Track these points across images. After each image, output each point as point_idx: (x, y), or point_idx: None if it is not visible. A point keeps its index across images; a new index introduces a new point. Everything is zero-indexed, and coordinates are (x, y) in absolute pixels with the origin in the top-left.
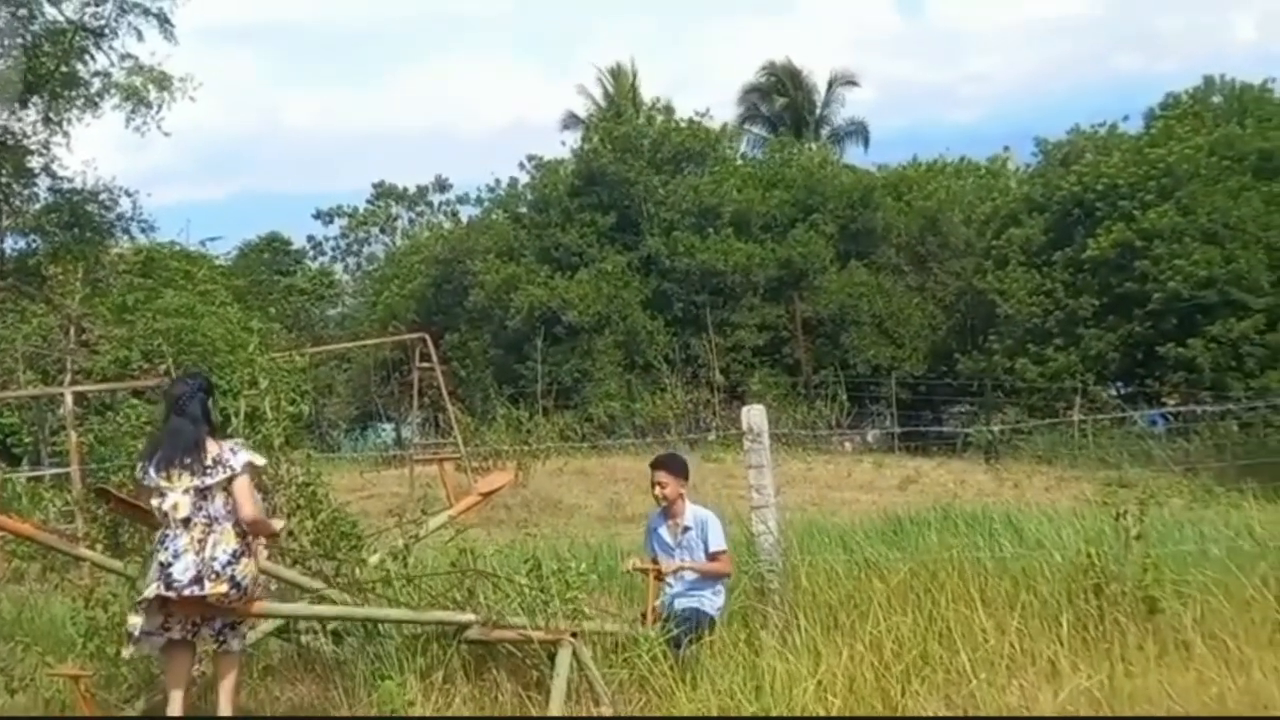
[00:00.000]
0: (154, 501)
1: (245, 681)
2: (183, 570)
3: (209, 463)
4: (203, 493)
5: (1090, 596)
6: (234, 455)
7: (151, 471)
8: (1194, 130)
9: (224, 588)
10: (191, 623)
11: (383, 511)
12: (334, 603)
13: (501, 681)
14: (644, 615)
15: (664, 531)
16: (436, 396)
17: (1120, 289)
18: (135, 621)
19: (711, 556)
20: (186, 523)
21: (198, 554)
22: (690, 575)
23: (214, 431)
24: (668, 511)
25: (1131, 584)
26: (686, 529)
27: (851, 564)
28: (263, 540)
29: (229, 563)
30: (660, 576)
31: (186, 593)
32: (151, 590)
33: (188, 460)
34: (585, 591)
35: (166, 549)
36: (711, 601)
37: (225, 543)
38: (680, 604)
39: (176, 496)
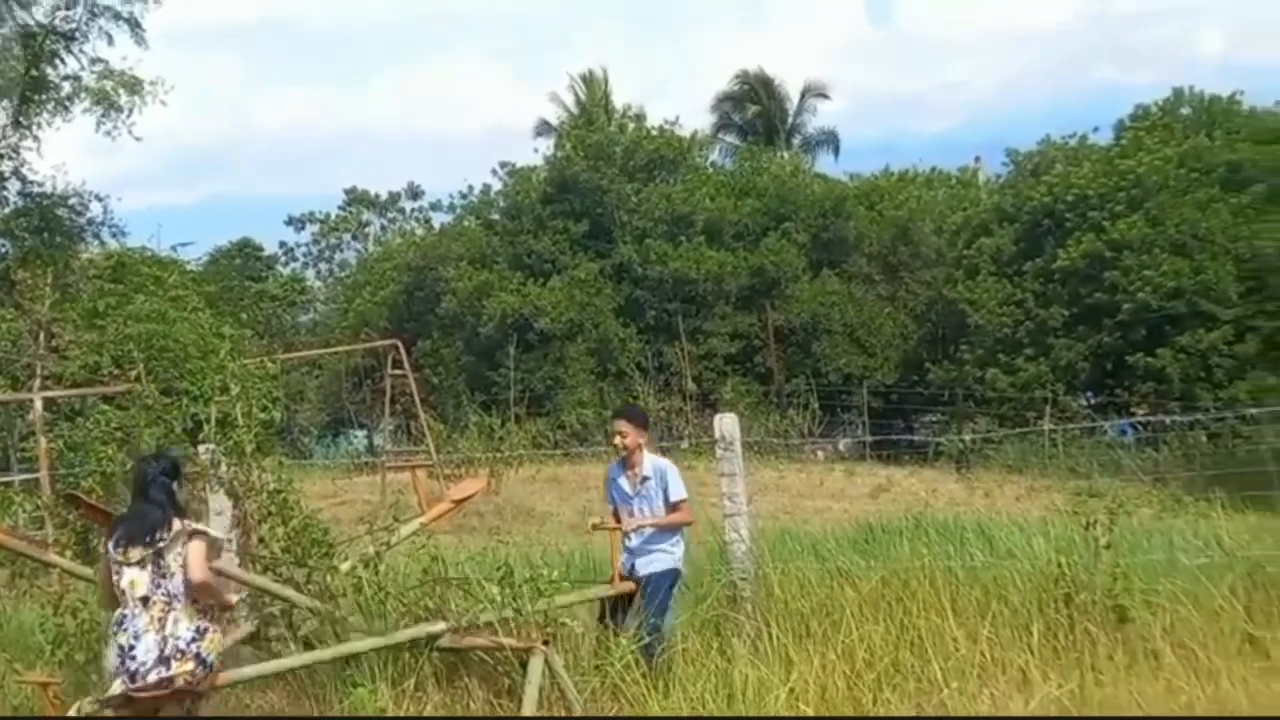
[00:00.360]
0: (114, 579)
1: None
2: (145, 651)
3: (167, 540)
4: (160, 570)
5: (1060, 606)
6: (188, 532)
7: (112, 548)
8: (1163, 142)
9: (190, 666)
10: (156, 704)
11: (354, 519)
12: (308, 611)
13: (473, 689)
14: (612, 579)
15: (623, 481)
16: (409, 403)
17: (1090, 299)
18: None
19: (672, 506)
20: (145, 602)
21: (159, 633)
22: (645, 526)
23: (180, 512)
24: (626, 461)
25: (1101, 593)
26: (645, 479)
27: (823, 572)
28: (231, 601)
29: (193, 640)
30: (626, 533)
31: (153, 676)
32: (117, 686)
33: (147, 540)
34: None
35: (126, 630)
36: (671, 554)
37: (186, 620)
38: (642, 568)
39: (133, 572)
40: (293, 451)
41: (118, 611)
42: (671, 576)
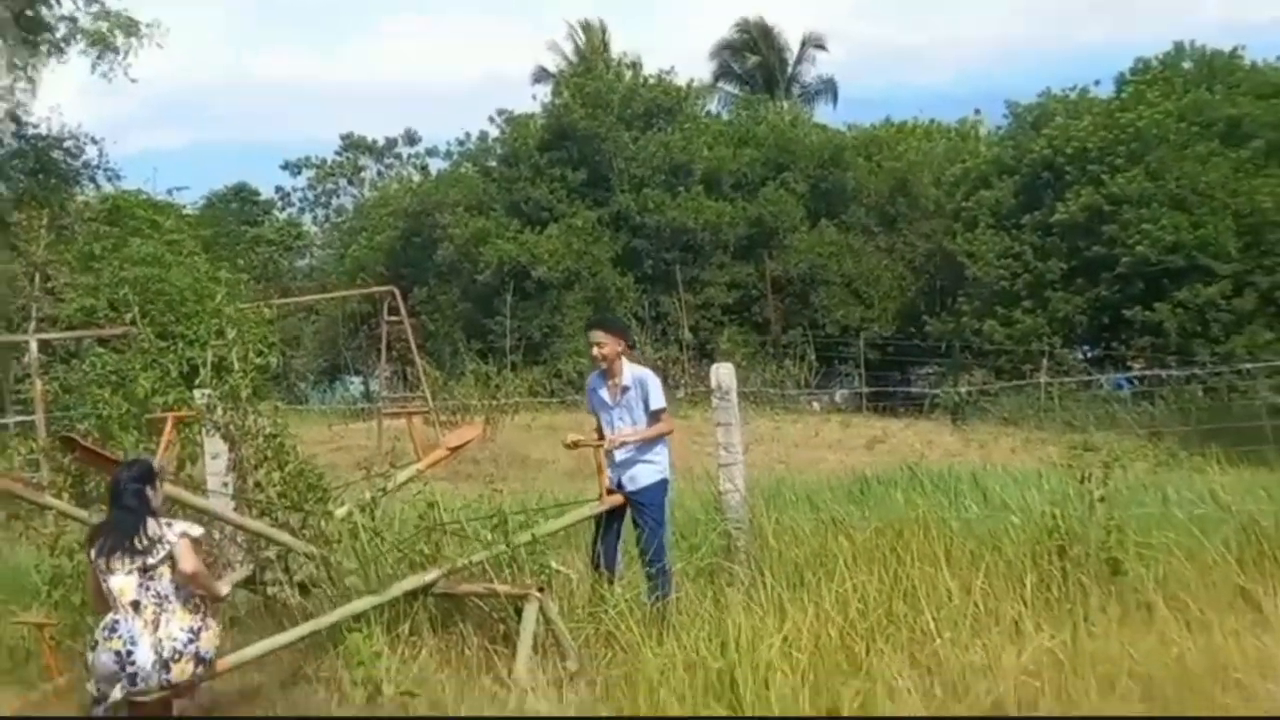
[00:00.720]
0: (103, 587)
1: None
2: (144, 655)
3: (147, 543)
4: (147, 573)
5: (1054, 558)
6: (169, 530)
7: (94, 557)
8: (1164, 96)
9: (190, 666)
10: (161, 705)
11: (351, 464)
12: (304, 556)
13: (468, 634)
14: (601, 495)
15: (604, 392)
16: (405, 350)
17: (1088, 253)
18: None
19: (653, 415)
20: (136, 606)
21: (154, 635)
22: (630, 441)
23: (154, 514)
24: (607, 372)
25: (1095, 546)
26: (625, 389)
27: (818, 522)
28: (221, 592)
29: (190, 640)
30: (607, 450)
31: (154, 680)
32: (117, 692)
33: (127, 545)
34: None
35: (120, 636)
36: (657, 464)
37: (180, 620)
38: (629, 483)
39: (119, 579)
40: (289, 397)
41: (108, 616)
42: (662, 487)
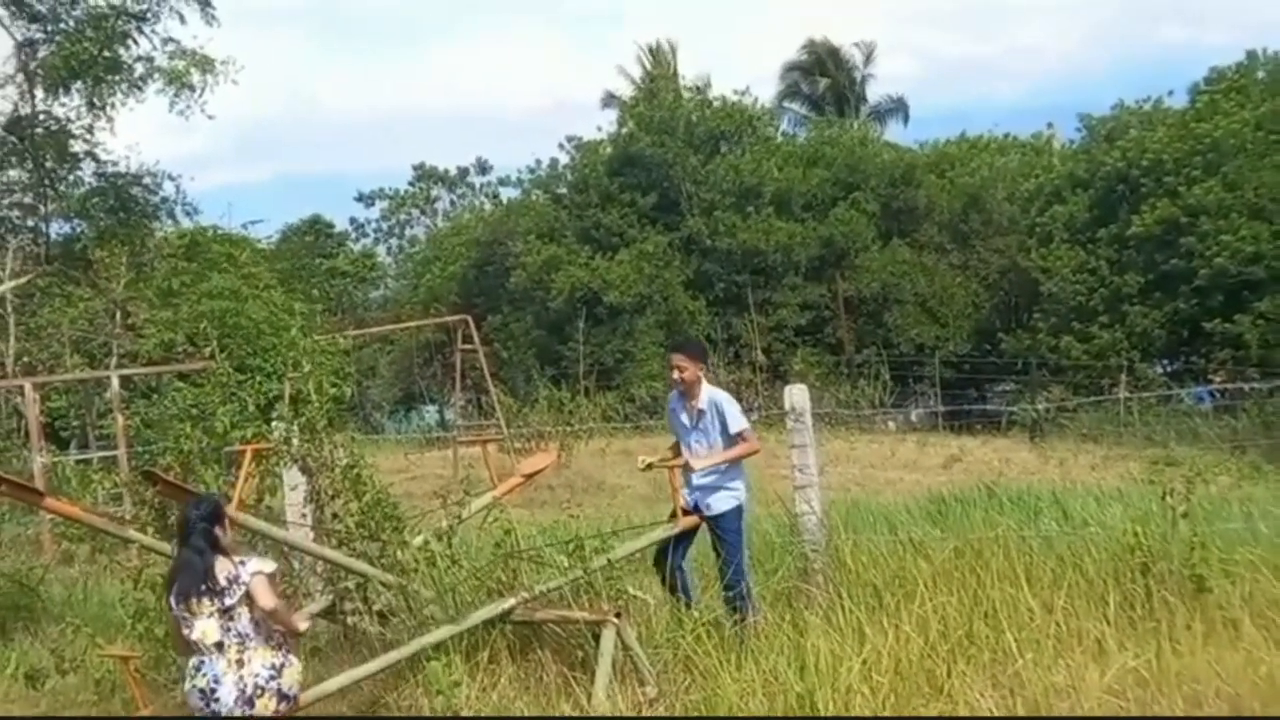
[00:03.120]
0: (184, 632)
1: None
2: (227, 693)
3: (224, 584)
4: (226, 613)
5: (1137, 575)
6: (243, 568)
7: (174, 604)
8: (1239, 105)
9: (273, 703)
10: None
11: (427, 493)
12: (381, 585)
13: (546, 661)
14: (673, 513)
15: (683, 415)
16: (479, 378)
17: (1166, 266)
18: None
19: (732, 438)
20: (220, 647)
21: (237, 673)
22: (708, 465)
23: (224, 552)
24: (686, 394)
25: (1179, 562)
26: (701, 412)
27: (896, 543)
28: (300, 628)
29: (272, 677)
30: (687, 468)
31: (238, 713)
32: None
33: (203, 589)
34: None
35: (205, 674)
36: (734, 491)
37: (261, 658)
38: (707, 508)
39: (202, 624)
40: (365, 427)
41: (194, 658)
42: (738, 513)
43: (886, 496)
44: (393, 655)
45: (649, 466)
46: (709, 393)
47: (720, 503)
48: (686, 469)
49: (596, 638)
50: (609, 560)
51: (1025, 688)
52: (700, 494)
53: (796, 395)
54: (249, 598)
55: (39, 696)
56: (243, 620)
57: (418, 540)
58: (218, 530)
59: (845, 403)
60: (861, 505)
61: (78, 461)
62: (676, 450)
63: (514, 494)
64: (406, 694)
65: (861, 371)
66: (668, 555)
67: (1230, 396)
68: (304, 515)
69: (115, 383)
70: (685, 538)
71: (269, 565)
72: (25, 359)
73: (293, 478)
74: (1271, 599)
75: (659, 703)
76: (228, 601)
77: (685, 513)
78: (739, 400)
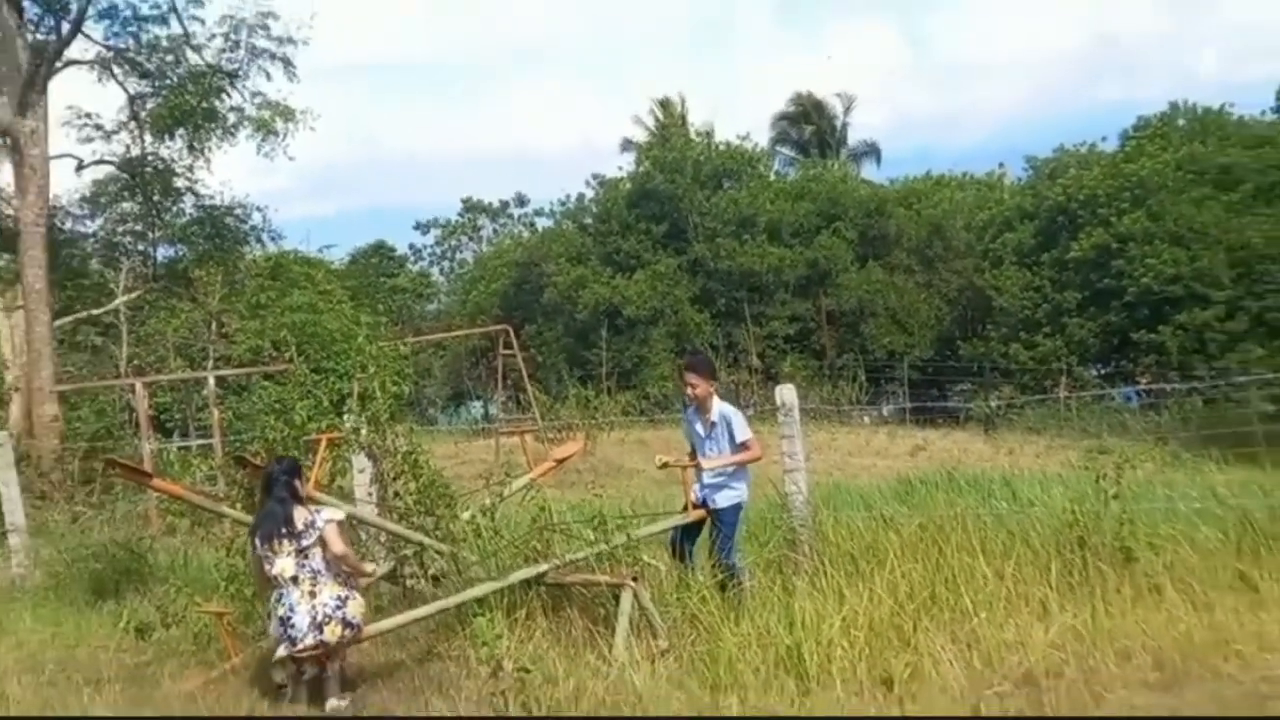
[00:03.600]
0: (265, 569)
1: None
2: (301, 619)
3: (301, 528)
4: (302, 553)
5: (1075, 547)
6: (318, 515)
7: (259, 545)
8: (1162, 148)
9: (339, 629)
10: (318, 663)
11: (473, 475)
12: (435, 553)
13: (574, 618)
14: (685, 506)
15: (698, 425)
16: (518, 378)
17: (1099, 284)
18: (278, 676)
19: (739, 446)
20: (295, 580)
21: (310, 603)
22: (718, 467)
23: (301, 502)
24: (699, 408)
25: (1110, 536)
26: (714, 424)
27: (870, 519)
28: (366, 570)
29: (338, 606)
30: (698, 468)
31: (310, 639)
32: (282, 651)
33: (283, 533)
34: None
35: (283, 604)
36: (738, 490)
37: (330, 590)
38: (713, 502)
39: (281, 561)
40: (421, 419)
41: (275, 591)
42: (738, 509)
43: (862, 480)
44: (443, 602)
45: (665, 465)
46: (720, 407)
47: (724, 499)
48: (699, 470)
49: (616, 598)
50: (628, 535)
51: (980, 642)
52: (709, 491)
53: (786, 394)
54: (322, 541)
55: (147, 646)
56: (316, 559)
57: (466, 515)
58: (296, 483)
59: (827, 400)
60: (841, 487)
61: (180, 448)
62: (692, 454)
63: (547, 476)
64: (456, 645)
65: (841, 374)
66: (678, 542)
67: (1154, 396)
68: (370, 494)
69: (211, 382)
70: (695, 528)
71: (340, 514)
72: (136, 361)
73: (360, 462)
74: (1189, 567)
75: (669, 653)
76: (304, 543)
77: (695, 506)
78: (737, 398)
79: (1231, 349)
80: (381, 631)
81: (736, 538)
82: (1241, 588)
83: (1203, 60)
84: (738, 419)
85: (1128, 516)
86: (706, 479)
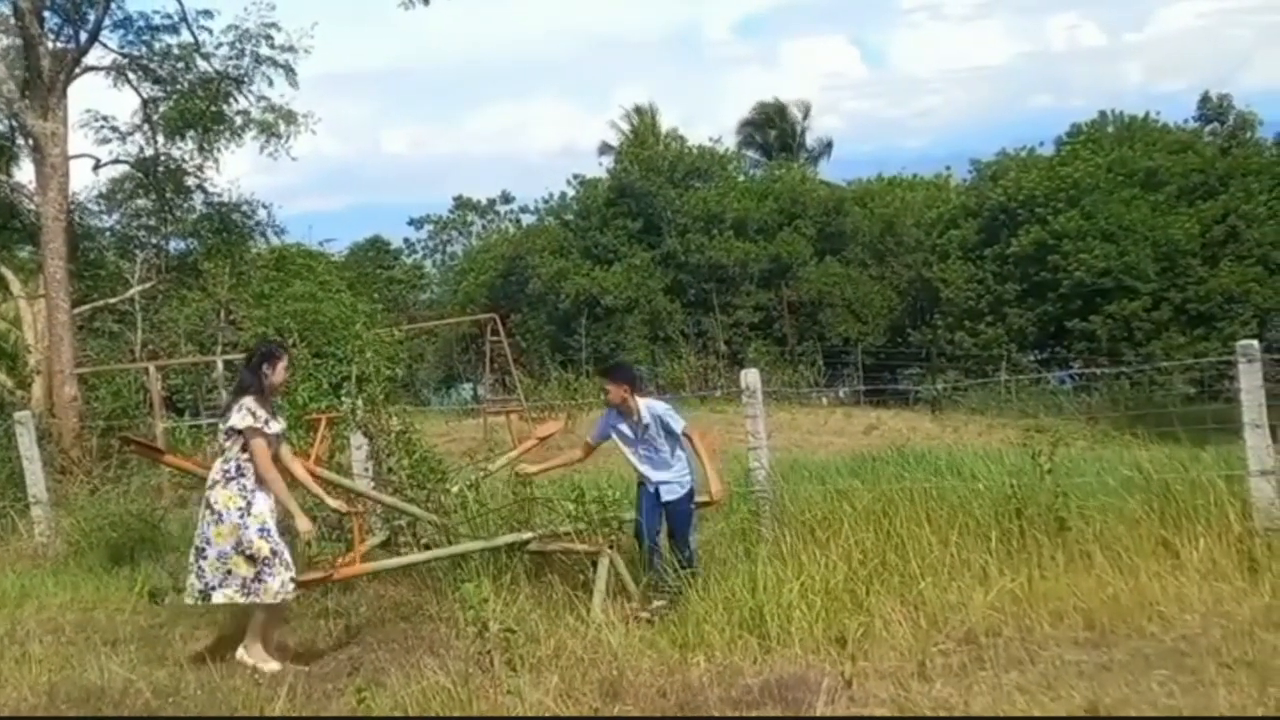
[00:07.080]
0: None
1: (358, 583)
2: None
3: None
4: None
5: (1013, 518)
6: (234, 413)
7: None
8: (1094, 153)
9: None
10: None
11: (462, 452)
12: (427, 523)
13: (555, 583)
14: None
15: (624, 427)
16: (504, 363)
17: (1037, 277)
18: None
19: (677, 438)
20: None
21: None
22: (661, 458)
23: (258, 393)
24: (621, 410)
25: (1045, 507)
26: (646, 425)
27: (826, 493)
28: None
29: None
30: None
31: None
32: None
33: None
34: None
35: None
36: (681, 482)
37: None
38: (664, 495)
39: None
40: (414, 400)
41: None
42: (688, 497)
43: (820, 456)
44: (437, 551)
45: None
46: (647, 406)
47: (671, 492)
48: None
49: (594, 564)
50: (603, 504)
51: (926, 604)
52: (661, 487)
53: (750, 377)
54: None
55: (159, 610)
56: (233, 457)
57: (455, 488)
58: (264, 368)
59: (788, 383)
60: (800, 463)
61: (191, 427)
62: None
63: (530, 453)
64: (446, 608)
65: (801, 359)
66: (642, 526)
67: (1086, 379)
68: (366, 469)
69: (220, 366)
70: (656, 512)
71: (252, 421)
72: (150, 346)
73: (357, 439)
74: (1116, 535)
75: (642, 614)
76: (224, 441)
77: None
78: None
79: (1156, 337)
80: (382, 569)
81: (692, 524)
82: (1164, 554)
83: (1127, 72)
84: (668, 413)
85: (1061, 489)
86: (655, 477)
